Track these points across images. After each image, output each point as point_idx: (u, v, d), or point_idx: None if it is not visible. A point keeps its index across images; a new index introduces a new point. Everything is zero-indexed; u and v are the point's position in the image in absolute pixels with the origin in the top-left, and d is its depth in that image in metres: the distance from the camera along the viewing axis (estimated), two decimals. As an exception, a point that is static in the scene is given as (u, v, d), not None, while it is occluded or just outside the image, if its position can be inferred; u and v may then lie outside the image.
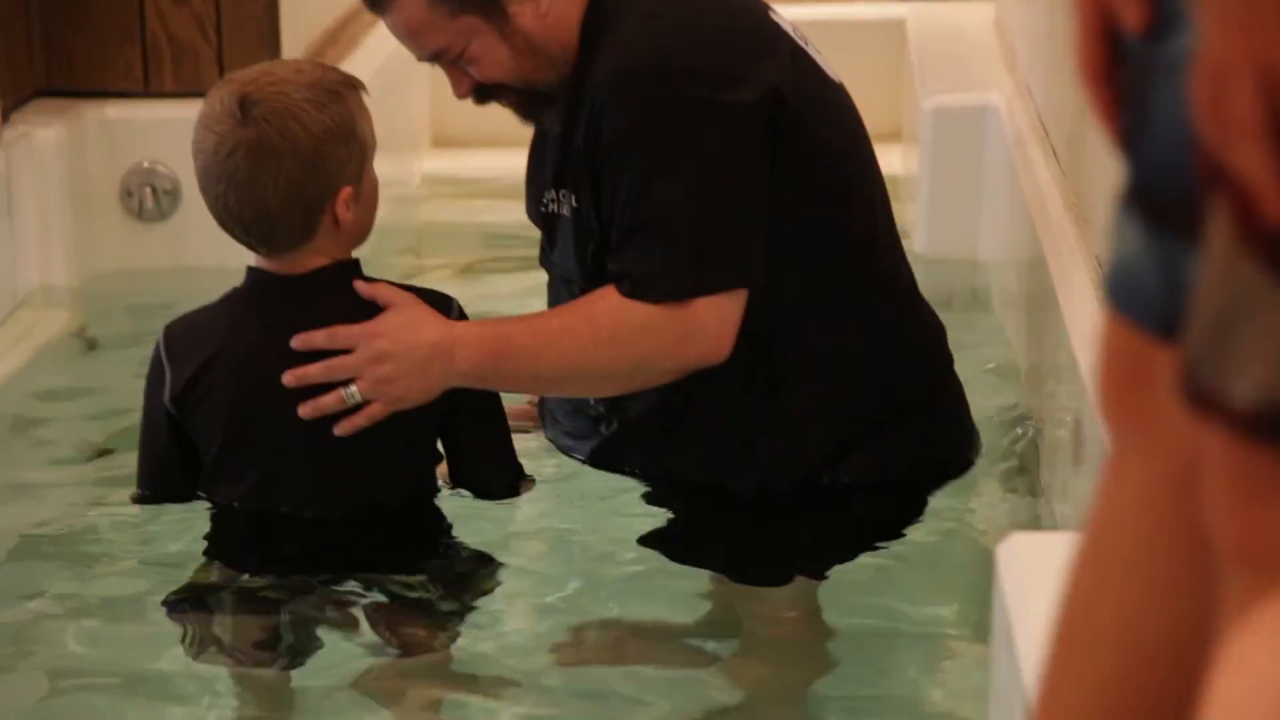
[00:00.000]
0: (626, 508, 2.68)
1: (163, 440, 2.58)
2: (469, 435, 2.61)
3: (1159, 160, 1.15)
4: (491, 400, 2.62)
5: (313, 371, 2.50)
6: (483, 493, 2.63)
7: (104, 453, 2.97)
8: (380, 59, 4.35)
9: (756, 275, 2.57)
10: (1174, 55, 1.12)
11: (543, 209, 2.71)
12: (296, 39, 4.08)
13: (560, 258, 2.70)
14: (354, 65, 4.29)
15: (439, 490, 2.62)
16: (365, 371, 2.50)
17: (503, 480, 2.64)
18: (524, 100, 2.67)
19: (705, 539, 2.69)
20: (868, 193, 2.71)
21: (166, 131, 3.88)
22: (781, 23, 2.69)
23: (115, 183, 3.91)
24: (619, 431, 2.71)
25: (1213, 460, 1.08)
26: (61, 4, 3.91)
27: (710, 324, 2.55)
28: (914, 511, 2.70)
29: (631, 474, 2.73)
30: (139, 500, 2.63)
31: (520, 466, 2.66)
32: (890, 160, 4.27)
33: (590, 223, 2.61)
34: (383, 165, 4.35)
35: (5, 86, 3.70)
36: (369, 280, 2.56)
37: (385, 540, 2.57)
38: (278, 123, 2.46)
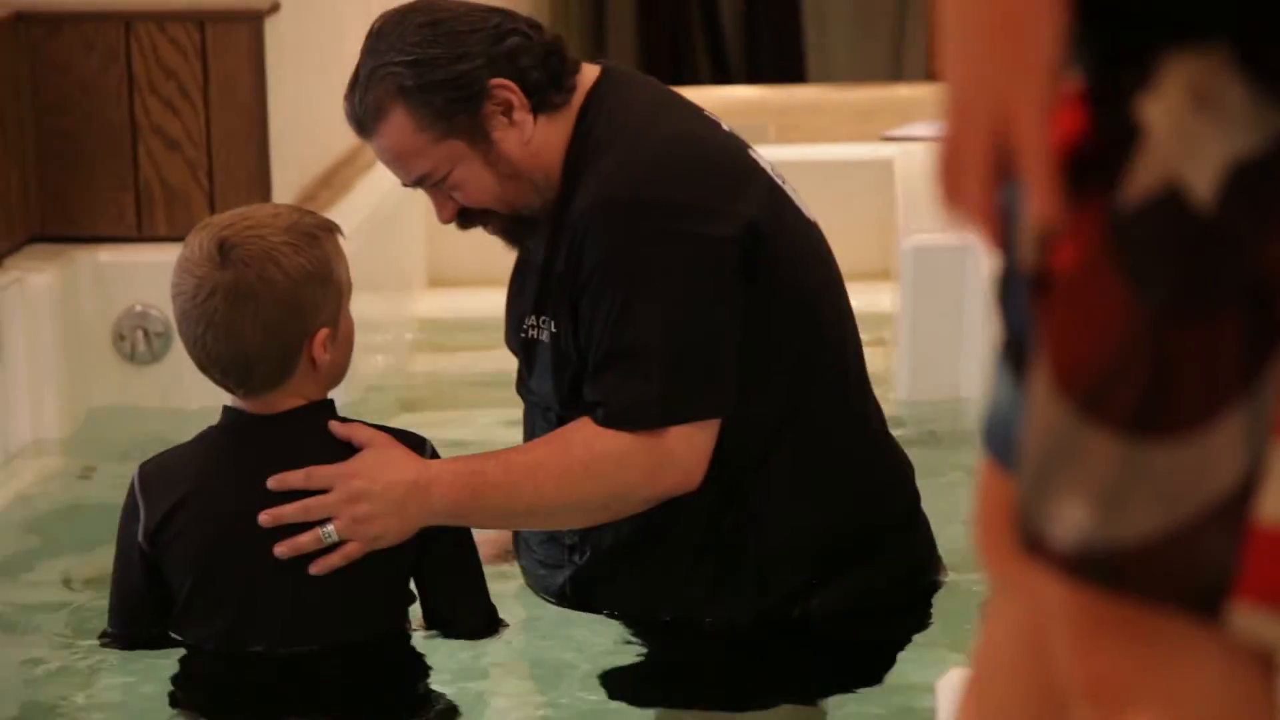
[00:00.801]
0: (598, 647, 2.68)
1: (136, 579, 2.59)
2: (442, 575, 2.62)
3: (1018, 308, 1.17)
4: (464, 539, 2.64)
5: (289, 511, 2.52)
6: (455, 632, 2.62)
7: (90, 583, 2.97)
8: (374, 202, 4.39)
9: (728, 405, 2.61)
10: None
11: (522, 335, 2.74)
12: (288, 184, 4.12)
13: (538, 384, 2.73)
14: (347, 209, 4.33)
15: (411, 630, 2.63)
16: (342, 511, 2.51)
17: (475, 620, 2.64)
18: (508, 225, 2.71)
19: (675, 677, 2.69)
20: (839, 331, 2.75)
21: (159, 275, 3.85)
22: (760, 160, 2.73)
23: (108, 326, 3.94)
24: (592, 560, 2.73)
25: (1052, 601, 1.10)
26: (56, 150, 3.96)
27: (683, 453, 2.58)
28: (881, 643, 2.71)
29: (603, 609, 2.73)
30: (108, 642, 2.63)
31: (493, 607, 2.66)
32: (880, 299, 4.33)
33: (569, 349, 2.64)
34: (378, 306, 4.41)
35: (0, 231, 3.74)
36: (344, 420, 2.58)
37: (356, 681, 2.57)
38: (256, 266, 2.49)
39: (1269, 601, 1.06)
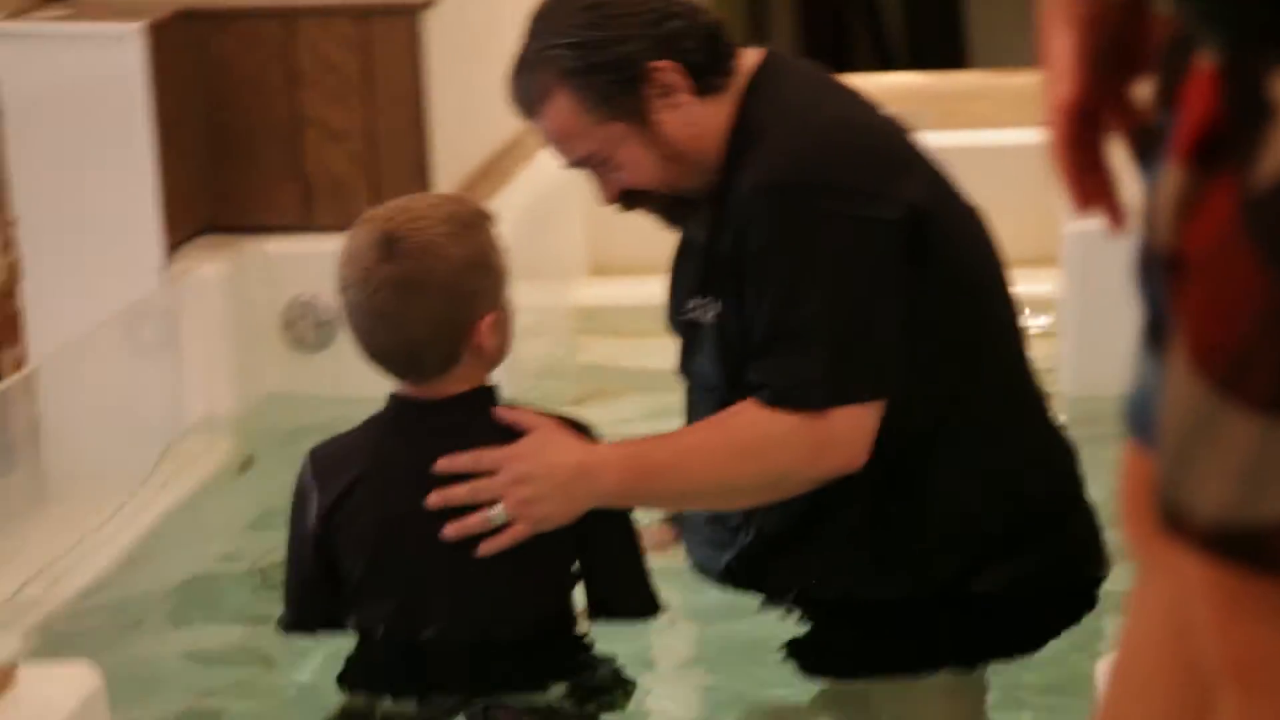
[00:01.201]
0: (759, 624, 2.70)
1: (309, 562, 2.64)
2: (606, 557, 2.65)
3: (1157, 288, 1.18)
4: (627, 522, 2.66)
5: (458, 493, 2.56)
6: (618, 614, 2.65)
7: (263, 572, 3.03)
8: (534, 191, 4.44)
9: (892, 387, 2.61)
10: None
11: (685, 316, 2.76)
12: (449, 174, 4.18)
13: (701, 365, 2.75)
14: (508, 198, 4.38)
15: (577, 612, 2.65)
16: (509, 493, 2.55)
17: (638, 602, 2.66)
18: (668, 206, 2.73)
19: (837, 650, 2.71)
20: (1001, 314, 2.75)
21: (325, 264, 3.94)
22: (921, 144, 2.74)
23: (276, 315, 4.01)
24: (756, 540, 2.75)
25: (1193, 579, 1.11)
26: (226, 145, 4.04)
27: (847, 435, 2.59)
28: (1045, 626, 2.71)
29: (766, 589, 2.76)
30: (285, 627, 2.68)
31: (655, 590, 2.68)
32: (1043, 287, 4.30)
33: (732, 330, 2.66)
34: (539, 295, 4.45)
35: (173, 224, 3.82)
36: (509, 406, 2.62)
37: (524, 660, 2.61)
38: (421, 257, 2.53)
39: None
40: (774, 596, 2.76)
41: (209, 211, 4.06)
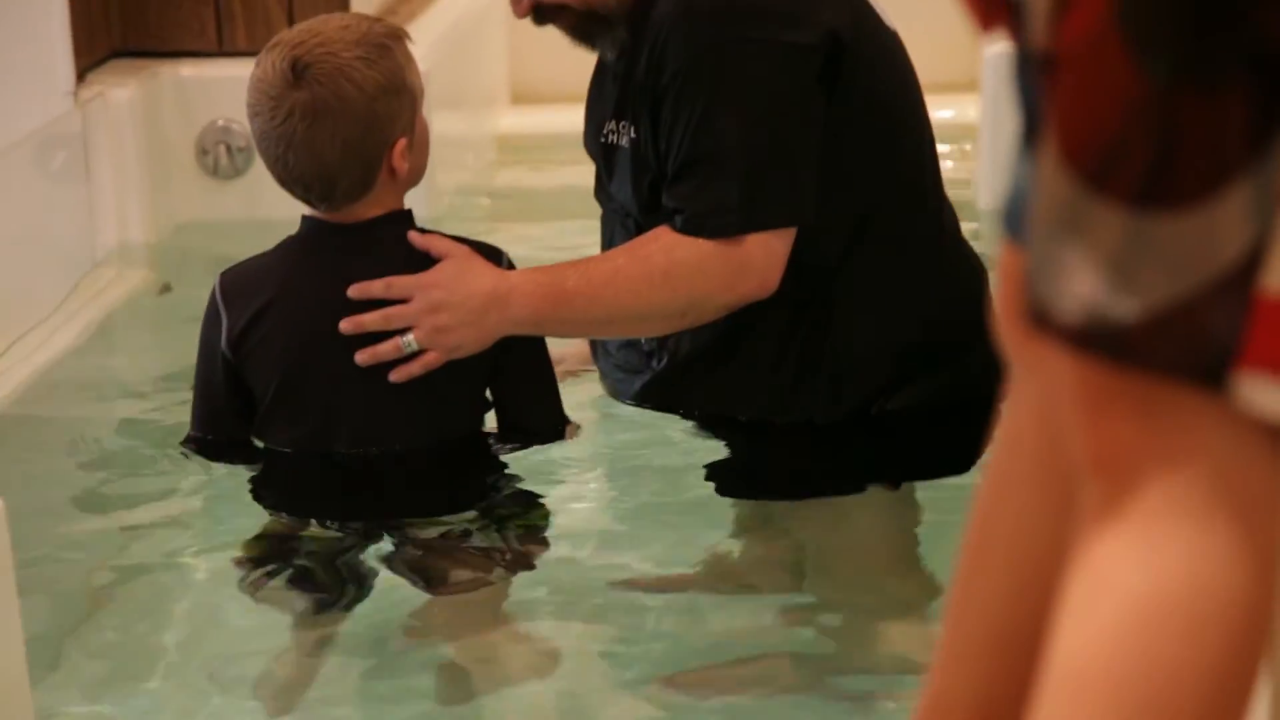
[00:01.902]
0: (675, 445, 2.71)
1: (218, 385, 2.63)
2: (518, 383, 2.65)
3: (1032, 89, 1.17)
4: (540, 348, 2.66)
5: (370, 320, 2.54)
6: (529, 439, 2.66)
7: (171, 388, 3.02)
8: (454, 17, 4.39)
9: (807, 214, 2.61)
10: None
11: (602, 140, 2.75)
12: (367, -4, 4.12)
13: (617, 189, 2.74)
14: (429, 22, 4.33)
15: (488, 434, 2.66)
16: (422, 320, 2.54)
17: (548, 425, 2.68)
18: (581, 22, 2.70)
19: (757, 469, 2.73)
20: (916, 138, 2.75)
21: (240, 90, 3.89)
22: None
23: (190, 141, 3.97)
24: (669, 365, 2.76)
25: (1060, 375, 1.11)
26: (136, -35, 3.96)
27: (760, 260, 2.60)
28: (968, 447, 2.72)
29: (680, 411, 2.77)
30: (192, 444, 2.67)
31: (564, 415, 2.69)
32: (966, 111, 4.29)
33: (648, 154, 2.65)
34: (460, 122, 4.41)
35: (81, 47, 3.76)
36: (423, 231, 2.60)
37: (436, 482, 2.62)
38: (330, 84, 2.50)
39: (1273, 370, 1.06)
40: (689, 418, 2.76)
41: (120, 34, 4.00)
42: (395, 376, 2.55)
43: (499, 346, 2.60)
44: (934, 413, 2.74)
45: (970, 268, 2.82)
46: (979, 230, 3.84)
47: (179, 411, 2.80)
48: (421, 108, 2.60)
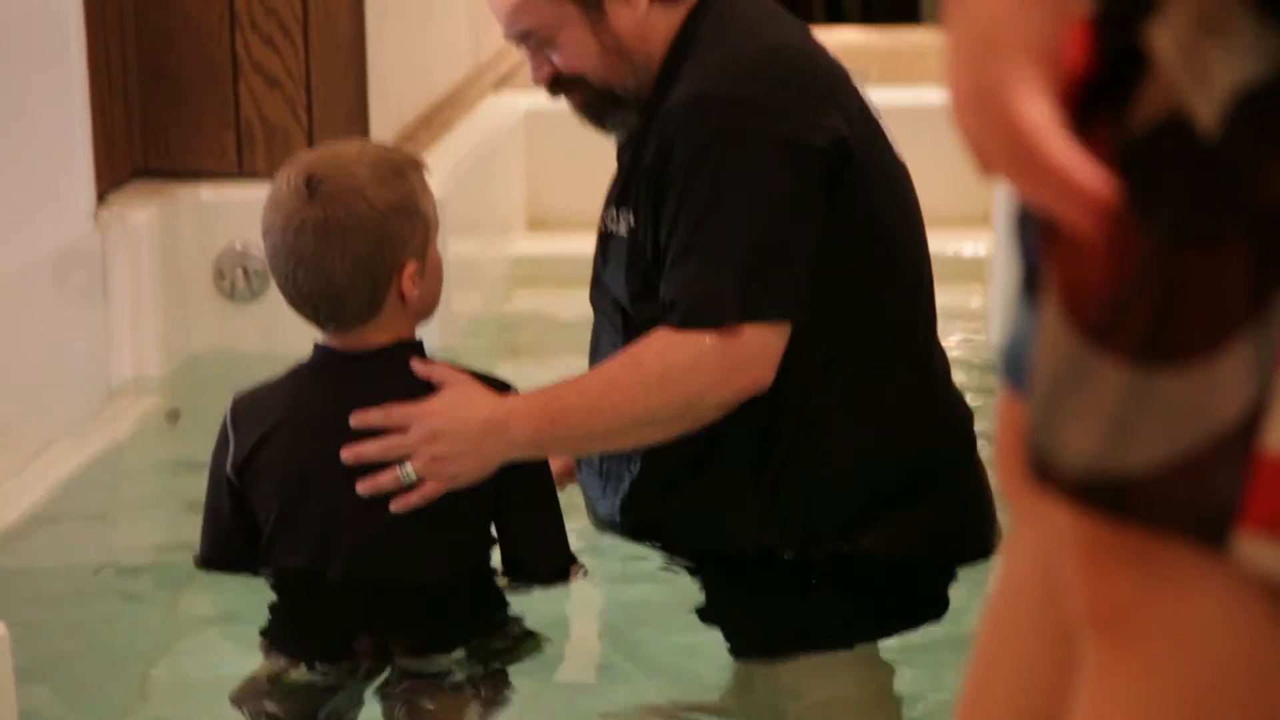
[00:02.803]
0: (657, 580, 2.68)
1: (225, 509, 2.62)
2: (520, 515, 2.62)
3: (1033, 239, 1.17)
4: (543, 480, 2.64)
5: (369, 450, 2.54)
6: (531, 576, 2.63)
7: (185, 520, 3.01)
8: (473, 143, 4.41)
9: (802, 311, 2.60)
10: None
11: (601, 230, 2.73)
12: (388, 123, 4.15)
13: (610, 278, 2.72)
14: (447, 148, 4.36)
15: (492, 570, 2.64)
16: (420, 450, 2.53)
17: (552, 566, 2.64)
18: (596, 100, 2.71)
19: (736, 622, 2.67)
20: (913, 270, 2.74)
21: (259, 213, 3.94)
22: (859, 86, 2.73)
23: (208, 263, 3.98)
24: (644, 478, 2.71)
25: (1060, 527, 1.11)
26: (158, 88, 3.99)
27: (757, 354, 2.57)
28: (932, 591, 2.70)
29: (655, 532, 2.73)
30: (199, 563, 2.67)
31: (570, 554, 2.65)
32: (979, 245, 4.31)
33: (645, 242, 2.64)
34: (476, 247, 4.42)
35: (103, 168, 3.78)
36: (424, 360, 2.60)
37: (433, 616, 2.59)
38: (343, 200, 2.51)
39: (1274, 531, 1.06)
40: (670, 545, 2.72)
41: (141, 155, 4.02)
42: (395, 507, 2.54)
43: (501, 478, 2.58)
44: (914, 557, 2.70)
45: (956, 409, 2.78)
46: (992, 362, 3.85)
47: (178, 547, 2.80)
48: (435, 239, 2.61)
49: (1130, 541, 1.08)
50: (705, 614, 2.64)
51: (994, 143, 1.06)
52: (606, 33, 2.66)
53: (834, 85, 2.68)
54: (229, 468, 2.60)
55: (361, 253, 2.52)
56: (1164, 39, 1.04)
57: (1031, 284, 1.18)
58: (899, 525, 2.69)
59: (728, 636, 2.62)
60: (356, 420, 2.55)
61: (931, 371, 2.76)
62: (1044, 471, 1.10)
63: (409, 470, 2.54)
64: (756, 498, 2.67)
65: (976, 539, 2.76)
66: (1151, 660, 1.08)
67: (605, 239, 2.72)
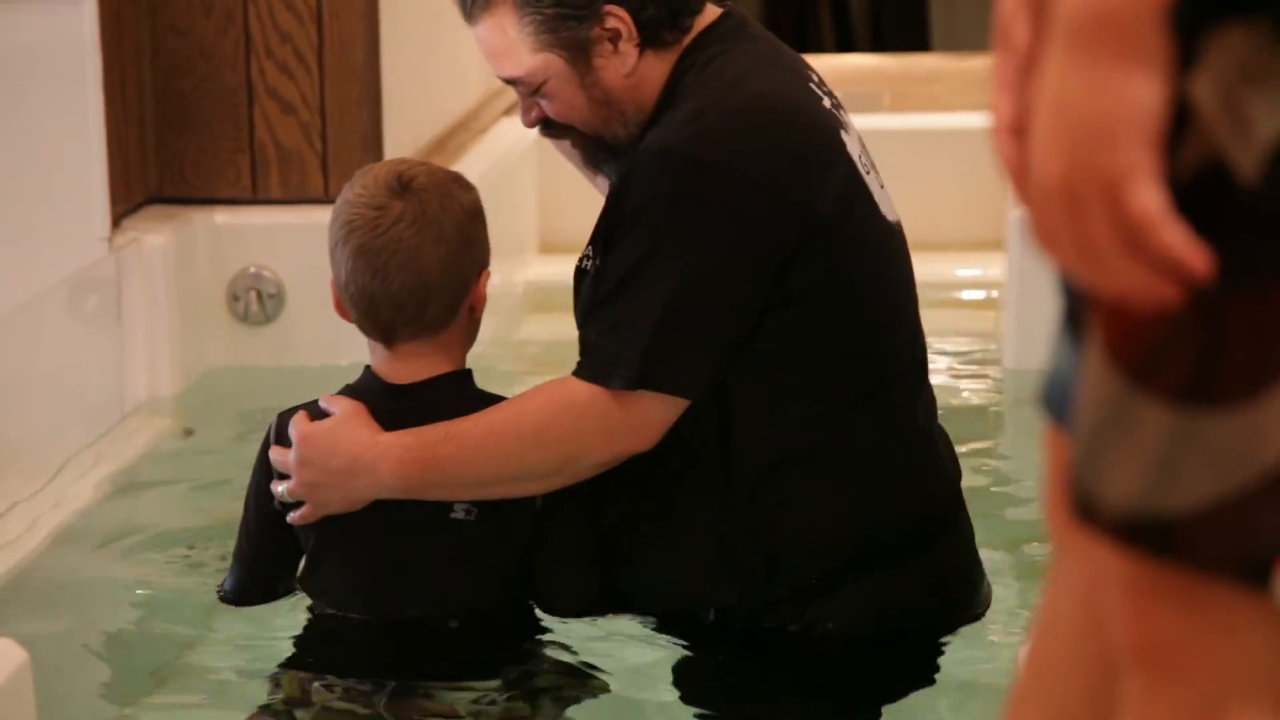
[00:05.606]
0: (634, 639, 2.63)
1: (263, 528, 2.62)
2: (553, 557, 2.60)
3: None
4: (582, 523, 2.60)
5: (276, 460, 2.57)
6: (548, 608, 2.61)
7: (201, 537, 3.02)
8: (486, 168, 4.42)
9: (700, 391, 2.53)
10: None
11: (577, 265, 2.67)
12: (401, 148, 4.16)
13: (578, 316, 2.65)
14: (460, 171, 4.36)
15: (529, 604, 2.61)
16: (296, 474, 2.55)
17: (578, 603, 2.61)
18: (588, 145, 2.67)
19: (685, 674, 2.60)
20: (891, 334, 2.63)
21: (272, 237, 3.99)
22: (848, 146, 2.60)
23: (222, 287, 4.00)
24: (614, 524, 2.64)
25: (1105, 565, 1.11)
26: (174, 113, 4.01)
27: (644, 420, 2.52)
28: (907, 668, 2.62)
29: (634, 587, 2.65)
30: (226, 597, 2.67)
31: (595, 598, 2.61)
32: (992, 270, 4.31)
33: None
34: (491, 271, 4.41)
35: (118, 194, 3.79)
36: (332, 395, 2.59)
37: (464, 648, 2.58)
38: (437, 192, 2.52)
39: (1317, 572, 1.06)
40: (639, 601, 2.64)
41: (156, 181, 4.04)
42: (291, 519, 2.56)
43: (540, 517, 2.55)
44: (874, 634, 2.60)
45: (938, 471, 2.67)
46: (1004, 386, 3.86)
47: (194, 566, 2.80)
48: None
49: (1174, 581, 1.09)
50: (678, 687, 2.56)
51: (1098, 234, 1.04)
52: (595, 86, 2.58)
53: (813, 146, 2.55)
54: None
55: (455, 244, 2.52)
56: (1205, 88, 1.05)
57: (1073, 319, 1.19)
58: (862, 595, 2.59)
59: (685, 701, 2.54)
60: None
61: (908, 431, 2.64)
62: (1088, 511, 1.11)
63: (281, 490, 2.56)
64: (714, 555, 2.58)
65: (952, 606, 2.67)
66: (1195, 698, 1.09)
67: (580, 276, 2.64)
